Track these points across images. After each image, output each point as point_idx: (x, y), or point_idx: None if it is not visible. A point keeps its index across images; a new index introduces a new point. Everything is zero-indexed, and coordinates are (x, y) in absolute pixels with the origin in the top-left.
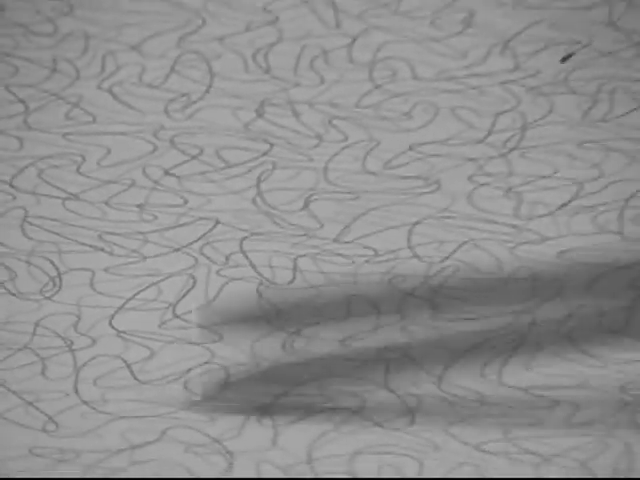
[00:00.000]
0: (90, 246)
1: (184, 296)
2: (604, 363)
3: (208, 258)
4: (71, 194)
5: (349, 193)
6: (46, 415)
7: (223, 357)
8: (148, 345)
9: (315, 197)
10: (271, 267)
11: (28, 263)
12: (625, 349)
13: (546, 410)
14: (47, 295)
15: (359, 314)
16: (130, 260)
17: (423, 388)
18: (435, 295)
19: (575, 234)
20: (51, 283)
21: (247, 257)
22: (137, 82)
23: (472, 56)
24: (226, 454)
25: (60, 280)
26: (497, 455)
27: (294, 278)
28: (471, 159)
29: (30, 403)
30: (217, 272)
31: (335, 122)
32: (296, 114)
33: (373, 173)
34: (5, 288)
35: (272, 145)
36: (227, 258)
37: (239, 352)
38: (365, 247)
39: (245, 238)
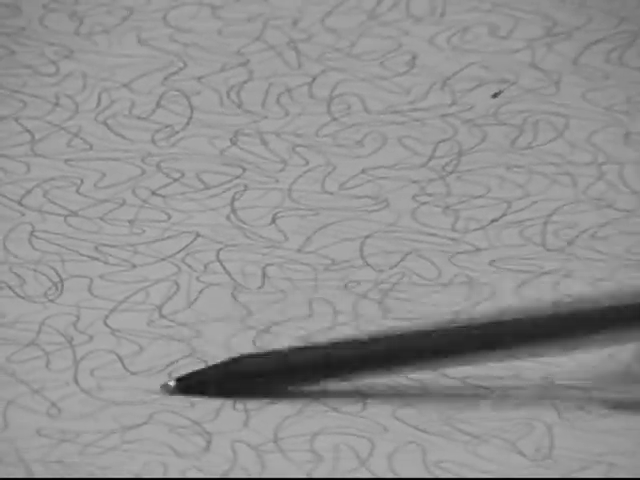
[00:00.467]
0: (88, 256)
1: (169, 299)
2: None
3: (189, 266)
4: (71, 211)
5: (310, 210)
6: (50, 401)
7: (202, 352)
8: (138, 341)
9: (281, 214)
10: (244, 274)
11: (35, 271)
12: (548, 345)
13: (479, 397)
14: (51, 298)
15: (319, 314)
16: (122, 268)
17: (372, 380)
18: (384, 297)
19: (504, 245)
20: (54, 288)
21: (223, 266)
22: (128, 115)
23: (415, 92)
24: (204, 434)
25: (62, 285)
26: (436, 435)
27: (263, 284)
28: (414, 181)
29: (36, 391)
30: (197, 278)
31: (298, 149)
32: (264, 142)
33: (330, 193)
34: (15, 292)
35: (244, 169)
36: (206, 266)
37: (216, 347)
38: (324, 257)
39: (221, 249)
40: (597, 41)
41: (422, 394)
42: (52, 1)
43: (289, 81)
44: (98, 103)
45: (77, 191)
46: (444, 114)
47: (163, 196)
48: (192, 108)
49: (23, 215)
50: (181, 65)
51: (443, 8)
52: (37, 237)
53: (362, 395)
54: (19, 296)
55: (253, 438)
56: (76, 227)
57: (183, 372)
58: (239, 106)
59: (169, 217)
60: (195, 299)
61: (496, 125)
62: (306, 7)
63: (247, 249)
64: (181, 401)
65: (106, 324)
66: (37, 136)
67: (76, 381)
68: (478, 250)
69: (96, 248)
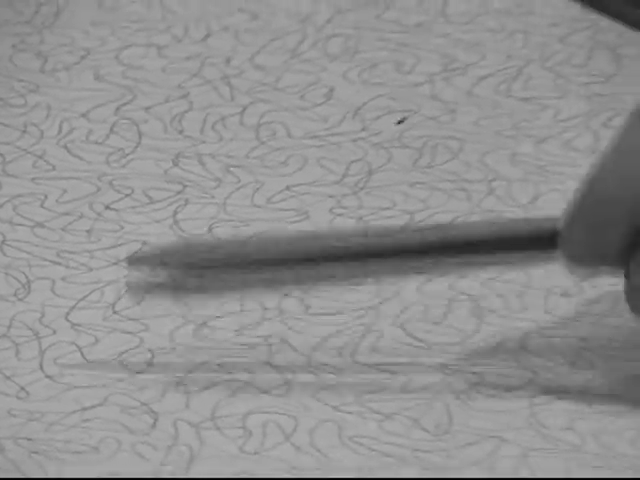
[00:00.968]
0: (51, 261)
1: (121, 298)
2: (429, 346)
3: (138, 269)
4: (37, 223)
5: (241, 221)
6: (19, 386)
7: (149, 342)
8: (94, 334)
9: (216, 224)
10: (185, 276)
11: (6, 274)
12: (444, 335)
13: (387, 380)
14: (20, 297)
15: (249, 310)
16: (80, 271)
17: (296, 365)
18: (306, 296)
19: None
20: (22, 288)
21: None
22: (85, 140)
23: (331, 120)
24: (151, 413)
25: (29, 286)
26: (350, 414)
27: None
28: (331, 196)
29: (8, 377)
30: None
31: (231, 169)
32: (202, 163)
33: (259, 206)
34: None
35: (185, 186)
36: (152, 270)
37: (161, 339)
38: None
39: None
40: (488, 75)
41: (339, 379)
42: (20, 42)
43: (223, 111)
44: (60, 130)
45: (42, 205)
46: (356, 138)
47: (116, 210)
48: (140, 134)
49: None
50: (131, 97)
51: (355, 48)
52: (8, 245)
53: (287, 379)
54: None
55: (193, 417)
56: (41, 236)
57: (134, 361)
58: (180, 132)
59: (121, 227)
60: (143, 298)
61: (400, 148)
62: (237, 47)
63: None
64: (131, 385)
65: (67, 319)
66: (7, 158)
67: (42, 368)
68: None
69: (58, 254)
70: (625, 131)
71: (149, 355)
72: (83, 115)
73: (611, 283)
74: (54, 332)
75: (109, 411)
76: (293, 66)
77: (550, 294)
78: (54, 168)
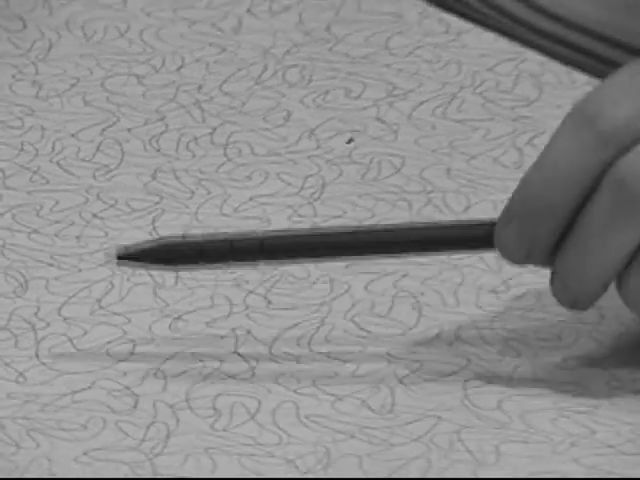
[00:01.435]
0: (45, 263)
1: (106, 294)
2: (375, 337)
3: (122, 270)
4: (33, 229)
5: (212, 228)
6: (18, 372)
7: (131, 333)
8: (83, 326)
9: (190, 231)
10: (162, 276)
11: (6, 274)
12: (388, 327)
13: (338, 366)
14: (18, 294)
15: (218, 305)
16: (71, 272)
17: (260, 353)
18: (267, 293)
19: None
20: (20, 287)
21: (147, 270)
22: (75, 158)
23: (289, 140)
24: (133, 396)
25: (26, 285)
26: (308, 395)
27: (177, 283)
28: (289, 206)
29: (7, 364)
30: (127, 279)
31: (202, 182)
32: (177, 178)
33: (227, 215)
34: None
35: (162, 198)
36: (133, 270)
37: (141, 330)
38: None
39: None
40: (425, 100)
41: (297, 365)
42: (18, 72)
43: (195, 132)
44: (53, 149)
45: (37, 214)
46: (311, 155)
47: (101, 218)
48: (123, 152)
49: None
50: (115, 120)
51: (310, 77)
52: (7, 249)
53: (252, 366)
54: None
55: (169, 399)
56: (37, 241)
57: (118, 350)
58: (158, 150)
59: (106, 234)
60: (126, 295)
61: (350, 164)
62: (207, 76)
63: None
64: (115, 371)
65: (59, 314)
66: (7, 173)
67: (37, 356)
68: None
69: (51, 257)
70: (556, 132)
71: (131, 345)
72: (73, 135)
73: (535, 281)
74: (48, 325)
75: (96, 394)
76: (256, 92)
77: (481, 291)
78: (48, 182)
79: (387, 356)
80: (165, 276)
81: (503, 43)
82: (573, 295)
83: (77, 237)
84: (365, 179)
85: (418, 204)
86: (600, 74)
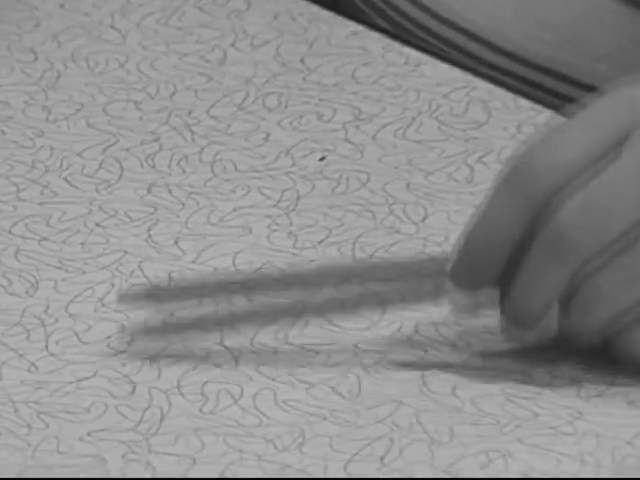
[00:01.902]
0: (54, 266)
1: (107, 294)
2: (344, 331)
3: (121, 273)
4: (43, 237)
5: (200, 235)
6: (30, 362)
7: (129, 329)
8: (87, 322)
9: (181, 238)
10: (156, 277)
11: (19, 276)
12: (356, 322)
13: (312, 357)
14: (30, 294)
15: (211, 302)
16: (77, 274)
17: (242, 345)
18: (250, 292)
19: (327, 258)
20: (32, 287)
21: (143, 272)
22: (80, 174)
23: (269, 158)
24: (131, 383)
25: (37, 285)
26: (284, 383)
27: (169, 284)
28: (268, 216)
29: (21, 355)
30: (126, 280)
31: (192, 195)
32: (170, 191)
33: (214, 224)
34: (6, 290)
35: (156, 209)
36: (131, 273)
37: (138, 326)
38: (209, 266)
39: (141, 261)
40: (388, 124)
41: (275, 356)
42: (30, 99)
43: (186, 151)
44: (60, 165)
45: (47, 224)
46: (287, 172)
47: (103, 227)
48: (122, 169)
49: (11, 239)
50: (115, 141)
51: (286, 102)
52: (21, 254)
53: (235, 356)
54: (8, 293)
55: (163, 385)
56: (46, 247)
57: (118, 343)
58: (153, 167)
59: (107, 240)
60: (124, 294)
61: (322, 179)
62: (196, 102)
63: (158, 261)
64: (115, 361)
65: (66, 311)
66: (20, 187)
67: (47, 348)
68: (311, 261)
69: (59, 261)
70: (492, 193)
71: (129, 338)
72: (78, 154)
73: None
74: (56, 320)
75: (98, 381)
76: (239, 117)
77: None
78: (56, 195)
79: (354, 348)
80: (160, 278)
81: (456, 73)
82: (521, 319)
83: (82, 244)
84: (335, 192)
85: (381, 215)
86: (548, 105)
